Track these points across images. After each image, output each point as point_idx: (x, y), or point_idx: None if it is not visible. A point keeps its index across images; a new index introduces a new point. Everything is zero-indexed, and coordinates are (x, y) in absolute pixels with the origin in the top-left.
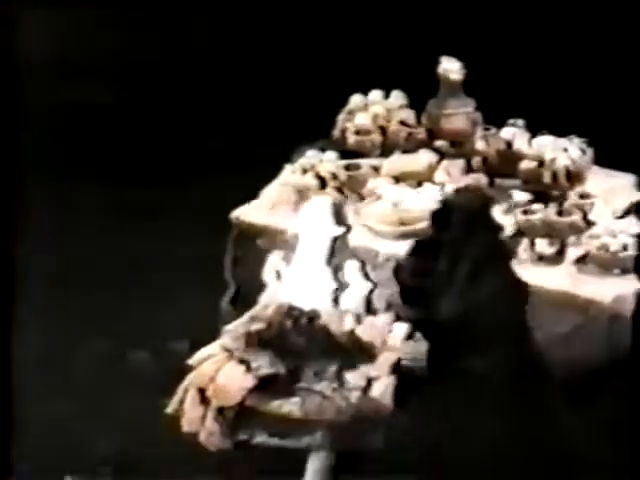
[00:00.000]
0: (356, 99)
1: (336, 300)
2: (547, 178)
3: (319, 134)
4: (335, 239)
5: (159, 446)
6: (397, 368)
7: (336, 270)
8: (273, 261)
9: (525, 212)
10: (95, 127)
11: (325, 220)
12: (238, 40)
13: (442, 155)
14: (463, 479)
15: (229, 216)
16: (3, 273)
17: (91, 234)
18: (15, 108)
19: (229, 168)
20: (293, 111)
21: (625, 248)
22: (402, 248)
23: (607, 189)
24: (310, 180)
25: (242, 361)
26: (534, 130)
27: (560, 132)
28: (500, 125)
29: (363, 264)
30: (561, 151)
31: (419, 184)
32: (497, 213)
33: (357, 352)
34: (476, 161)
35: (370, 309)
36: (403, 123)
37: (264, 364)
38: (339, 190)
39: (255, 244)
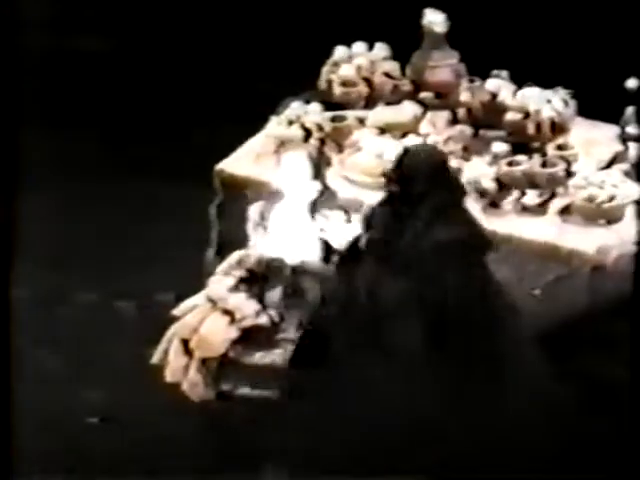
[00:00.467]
0: (340, 51)
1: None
2: (531, 130)
3: (307, 86)
4: (320, 191)
5: (143, 396)
6: None
7: (319, 221)
8: (254, 213)
9: (510, 164)
10: (86, 75)
11: (303, 173)
12: None
13: (427, 107)
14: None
15: (214, 168)
16: None
17: (80, 187)
18: (10, 59)
19: (216, 121)
20: (280, 63)
21: (611, 199)
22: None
23: (589, 140)
24: (295, 131)
25: (226, 312)
26: (518, 82)
27: (545, 84)
28: (484, 77)
29: (348, 214)
30: (545, 103)
31: (404, 135)
32: (480, 164)
33: None
34: (461, 113)
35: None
36: (388, 75)
37: (248, 313)
38: (321, 141)
39: (240, 196)
